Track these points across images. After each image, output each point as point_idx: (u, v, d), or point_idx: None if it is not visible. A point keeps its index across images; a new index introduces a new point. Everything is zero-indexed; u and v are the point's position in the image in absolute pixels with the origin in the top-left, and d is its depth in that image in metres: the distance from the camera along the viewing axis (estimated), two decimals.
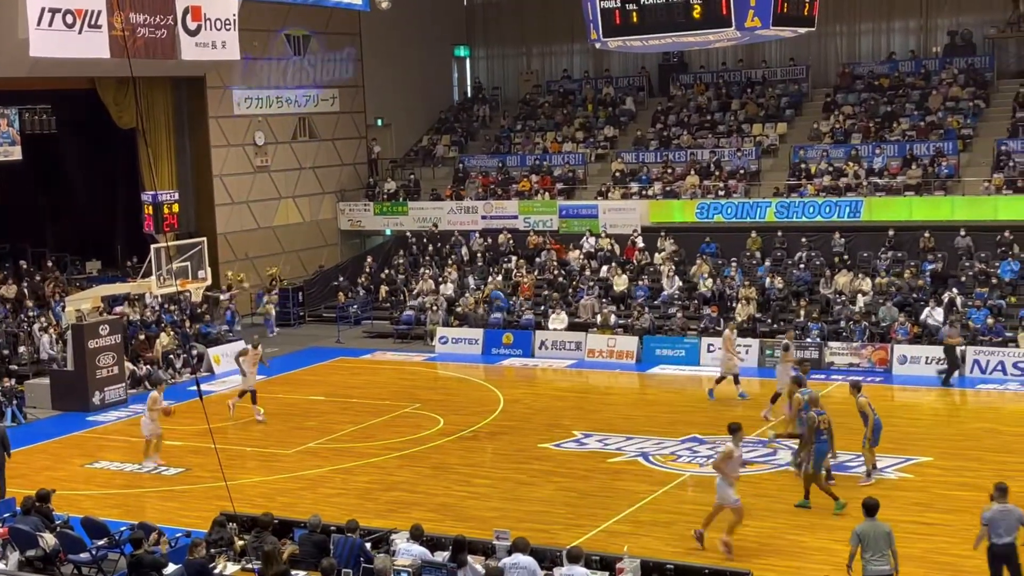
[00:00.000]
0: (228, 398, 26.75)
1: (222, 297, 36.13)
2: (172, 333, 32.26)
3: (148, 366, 30.69)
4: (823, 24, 34.71)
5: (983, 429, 23.62)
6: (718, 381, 26.58)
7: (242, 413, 26.08)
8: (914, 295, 30.94)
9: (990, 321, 28.79)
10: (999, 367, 27.61)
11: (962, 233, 32.60)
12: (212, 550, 14.78)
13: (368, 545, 14.50)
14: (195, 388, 20.00)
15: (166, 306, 33.97)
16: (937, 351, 28.25)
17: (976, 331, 28.84)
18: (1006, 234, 32.10)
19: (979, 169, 34.76)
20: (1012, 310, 29.91)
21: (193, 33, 32.06)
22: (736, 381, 26.43)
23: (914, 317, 29.82)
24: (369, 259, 40.13)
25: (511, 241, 38.54)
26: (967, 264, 32.05)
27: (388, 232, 42.29)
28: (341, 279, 39.00)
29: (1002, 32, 39.40)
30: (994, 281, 30.89)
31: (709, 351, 30.49)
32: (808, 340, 29.81)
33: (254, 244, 39.43)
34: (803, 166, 36.63)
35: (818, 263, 33.67)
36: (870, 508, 13.79)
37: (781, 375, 24.42)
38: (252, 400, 26.03)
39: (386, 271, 39.25)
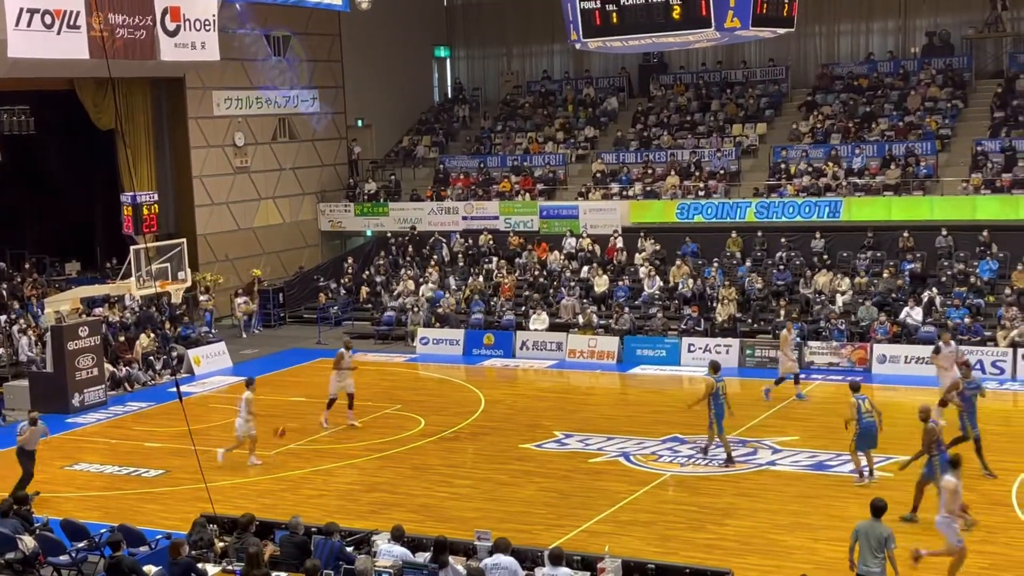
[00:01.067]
0: (209, 400, 26.65)
1: (202, 298, 36.03)
2: (152, 335, 32.14)
3: (128, 368, 30.58)
4: (802, 25, 35.01)
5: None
6: (777, 382, 26.22)
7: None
8: (893, 295, 31.07)
9: (968, 320, 28.94)
10: (978, 366, 27.69)
11: (943, 233, 32.74)
12: (193, 551, 14.73)
13: (349, 548, 14.49)
14: (175, 390, 20.03)
15: (148, 308, 33.82)
16: (916, 350, 28.40)
17: (955, 330, 28.96)
18: (984, 234, 32.26)
19: (957, 169, 34.92)
20: (990, 309, 30.07)
21: (172, 34, 31.94)
22: (796, 381, 26.22)
23: (893, 317, 29.95)
24: (350, 260, 40.07)
25: (492, 242, 38.53)
26: (946, 264, 32.20)
27: (369, 233, 42.24)
28: (322, 280, 38.94)
29: (980, 32, 39.62)
30: (972, 281, 31.04)
31: (690, 351, 30.58)
32: None
33: (234, 245, 39.32)
34: (783, 166, 36.74)
35: (798, 263, 33.78)
36: (875, 509, 13.82)
37: (943, 377, 23.65)
38: (349, 404, 25.21)
39: (367, 272, 39.19)
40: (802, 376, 27.47)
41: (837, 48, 42.68)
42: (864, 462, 19.86)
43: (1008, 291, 29.97)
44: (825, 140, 37.68)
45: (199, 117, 38.00)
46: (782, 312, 31.04)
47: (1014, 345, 27.86)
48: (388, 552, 14.06)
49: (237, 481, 21.43)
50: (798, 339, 29.59)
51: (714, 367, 21.64)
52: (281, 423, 25.66)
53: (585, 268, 35.78)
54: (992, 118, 36.53)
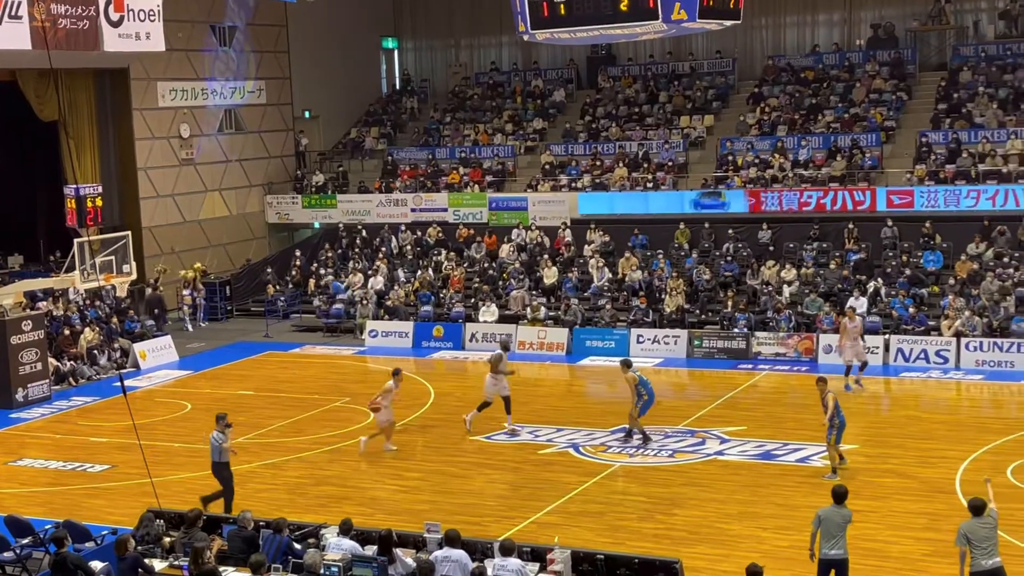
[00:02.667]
0: (156, 394, 26.42)
1: (185, 292, 35.87)
2: (97, 329, 31.79)
3: (72, 362, 30.23)
4: (749, 17, 35.21)
5: (906, 416, 24.03)
6: (847, 373, 26.09)
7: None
8: (839, 285, 31.36)
9: (913, 311, 29.27)
10: (922, 355, 28.09)
11: (888, 223, 33.07)
12: (140, 547, 14.60)
13: (297, 543, 14.41)
14: (119, 384, 19.86)
15: (94, 302, 33.46)
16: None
17: (899, 320, 29.32)
18: (927, 225, 32.63)
19: (902, 160, 35.30)
20: (934, 299, 30.43)
21: (116, 24, 31.55)
22: (847, 373, 26.05)
23: (839, 307, 30.22)
24: (298, 252, 39.84)
25: (440, 234, 38.46)
26: (891, 254, 32.54)
27: (317, 225, 42.01)
28: (269, 272, 38.70)
29: (924, 25, 40.05)
30: (916, 270, 31.38)
31: (639, 342, 30.70)
32: (735, 331, 30.10)
33: (180, 238, 38.96)
34: (730, 158, 36.95)
35: (745, 254, 34.00)
36: (836, 495, 13.93)
37: (846, 351, 24.48)
38: (506, 409, 23.56)
39: (315, 264, 39.00)
40: (748, 367, 27.66)
41: (783, 40, 42.98)
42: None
43: (952, 281, 30.35)
44: (772, 132, 37.95)
45: (144, 109, 37.60)
46: (729, 303, 31.23)
47: (958, 335, 28.21)
48: (337, 546, 14.02)
49: (184, 476, 21.26)
50: (745, 330, 29.83)
51: (626, 364, 22.40)
52: (229, 417, 25.51)
53: (534, 260, 35.81)
54: (936, 110, 36.93)
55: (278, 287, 37.83)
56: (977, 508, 13.34)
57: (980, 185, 32.68)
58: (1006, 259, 30.91)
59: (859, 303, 29.96)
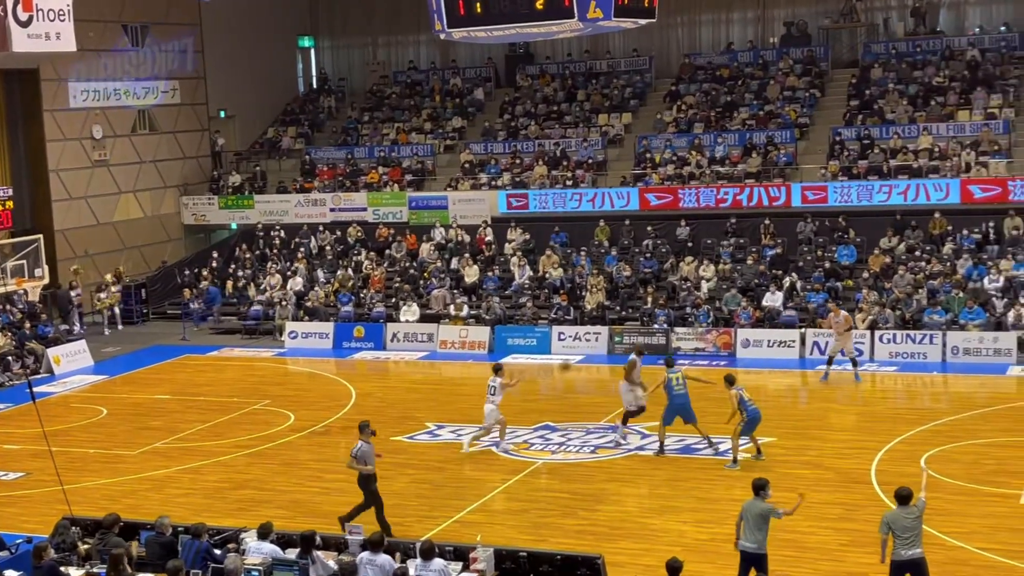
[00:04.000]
0: (69, 399, 25.96)
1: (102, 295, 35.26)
2: (8, 334, 31.16)
3: None
4: (664, 15, 35.35)
5: (823, 408, 24.39)
6: (829, 363, 26.38)
7: None
8: (756, 280, 31.74)
9: (829, 304, 29.68)
10: (672, 354, 28.38)
11: (804, 219, 33.52)
12: (56, 554, 14.34)
13: (217, 548, 14.24)
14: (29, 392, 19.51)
15: (6, 306, 32.79)
16: (778, 334, 29.12)
17: (814, 313, 29.73)
18: (840, 220, 33.14)
19: (816, 157, 35.82)
20: (849, 293, 30.91)
21: (24, 24, 30.80)
22: (829, 363, 26.28)
23: (756, 302, 30.59)
24: (215, 254, 39.38)
25: (360, 233, 38.26)
26: (806, 249, 32.99)
27: (234, 226, 41.57)
28: (186, 274, 38.22)
29: (836, 23, 40.68)
30: (830, 265, 31.84)
31: (560, 339, 30.80)
32: (655, 327, 30.32)
33: (94, 240, 38.32)
34: (648, 155, 37.21)
35: (664, 251, 34.27)
36: (755, 488, 14.07)
37: (836, 342, 24.94)
38: (624, 418, 22.16)
39: (232, 266, 38.59)
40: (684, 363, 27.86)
41: (699, 38, 43.38)
42: (742, 448, 20.19)
43: (865, 275, 30.84)
44: (688, 129, 38.28)
45: (55, 110, 36.93)
46: (649, 299, 31.45)
47: (872, 327, 28.68)
48: (257, 550, 13.88)
49: (101, 482, 20.92)
50: (665, 325, 30.05)
51: (730, 380, 20.98)
52: (145, 421, 25.21)
53: (455, 259, 35.77)
54: (848, 106, 37.52)
55: (195, 289, 37.35)
56: (902, 497, 13.47)
57: (892, 180, 33.28)
58: (918, 253, 31.51)
59: (775, 298, 30.36)
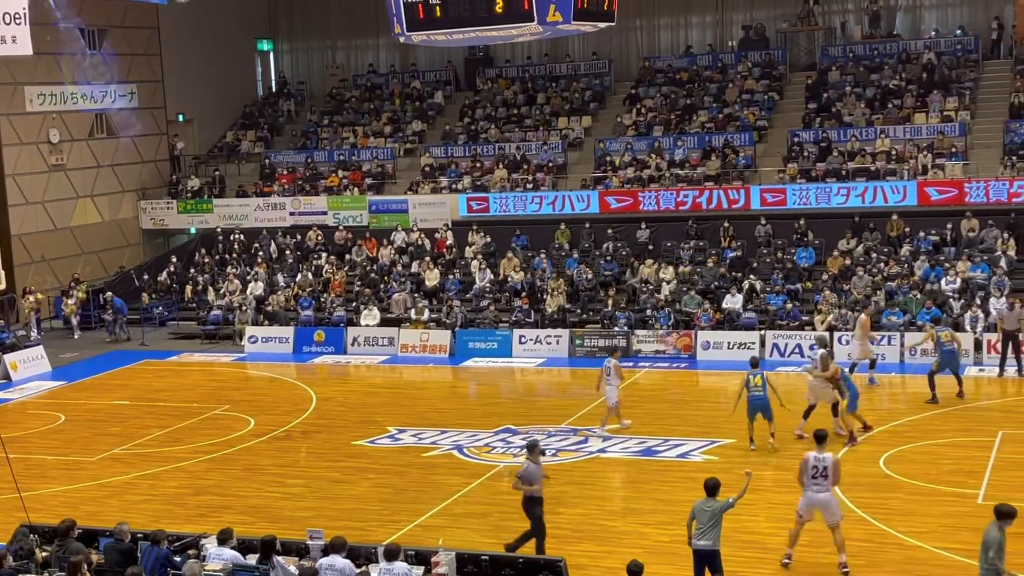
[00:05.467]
0: (28, 406, 25.69)
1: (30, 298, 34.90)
2: None
3: None
4: (623, 19, 35.46)
5: (784, 410, 24.41)
6: (853, 369, 25.47)
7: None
8: (716, 283, 31.89)
9: (788, 306, 29.90)
10: (796, 350, 28.66)
11: (762, 222, 33.72)
12: (14, 562, 14.20)
13: (175, 556, 14.14)
14: None
15: None
16: (738, 336, 29.27)
17: (774, 315, 29.92)
18: (800, 222, 33.36)
19: (774, 159, 36.05)
20: (808, 295, 31.12)
21: None
22: (872, 366, 25.88)
23: (716, 304, 30.74)
24: (173, 259, 39.12)
25: (320, 237, 38.12)
26: (765, 251, 33.19)
27: (193, 231, 41.31)
28: (145, 278, 37.94)
29: (793, 26, 40.97)
30: (790, 267, 32.07)
31: (521, 343, 30.82)
32: (616, 329, 30.40)
33: (51, 245, 37.99)
34: (607, 158, 37.31)
35: (624, 253, 34.37)
36: (708, 488, 14.22)
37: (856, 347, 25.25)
38: (805, 415, 21.89)
39: (192, 270, 38.35)
40: (628, 364, 27.95)
41: (658, 42, 43.55)
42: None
43: (824, 276, 31.07)
44: (648, 132, 38.42)
45: (11, 113, 36.61)
46: (609, 302, 31.52)
47: (830, 329, 28.86)
48: (218, 555, 13.78)
49: (59, 489, 20.74)
50: (626, 328, 30.14)
51: (753, 362, 21.69)
52: (104, 427, 25.00)
53: (415, 262, 35.72)
54: (806, 109, 37.79)
55: (155, 295, 37.11)
56: (708, 488, 14.22)
57: (850, 183, 33.53)
58: (876, 255, 31.76)
59: (735, 300, 30.51)
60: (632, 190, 35.28)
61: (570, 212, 35.82)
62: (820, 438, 16.09)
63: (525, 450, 16.46)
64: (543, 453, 16.24)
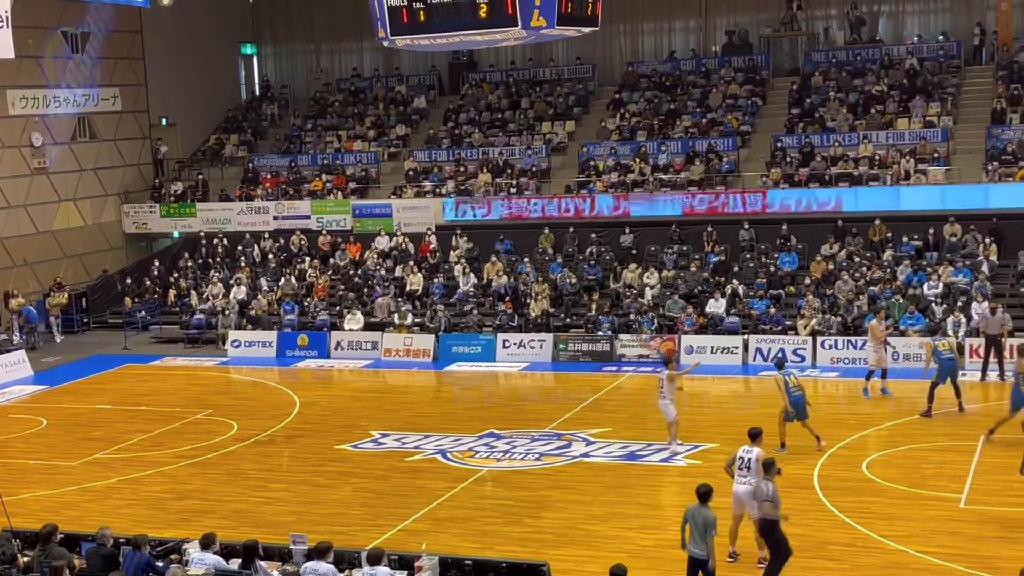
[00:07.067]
0: (10, 410, 25.53)
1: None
2: None
3: None
4: (607, 24, 35.60)
5: (766, 414, 24.39)
6: (868, 377, 25.58)
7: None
8: (699, 287, 31.94)
9: (772, 311, 29.97)
10: (780, 354, 28.69)
11: (745, 226, 33.79)
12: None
13: (158, 561, 14.09)
14: None
15: None
16: (721, 341, 29.32)
17: (757, 319, 29.98)
18: (783, 227, 33.44)
19: (757, 164, 36.13)
20: (791, 299, 31.19)
21: None
22: (883, 376, 25.46)
23: (700, 308, 30.78)
24: (156, 262, 39.00)
25: (304, 241, 38.06)
26: (748, 256, 33.27)
27: (176, 235, 41.20)
28: (128, 282, 37.81)
29: (776, 32, 41.09)
30: (773, 271, 32.14)
31: (504, 347, 30.81)
32: (599, 334, 30.42)
33: (33, 249, 37.80)
34: (591, 163, 37.35)
35: (608, 258, 34.40)
36: (700, 495, 14.22)
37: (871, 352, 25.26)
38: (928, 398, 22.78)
39: (174, 274, 38.24)
40: (612, 369, 27.95)
41: (641, 47, 43.61)
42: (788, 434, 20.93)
43: (807, 281, 31.14)
44: (632, 137, 38.46)
45: None
46: (593, 307, 31.55)
47: (813, 334, 28.96)
48: (200, 560, 13.75)
49: (41, 493, 20.64)
50: (609, 332, 30.16)
51: (778, 364, 22.06)
52: (86, 432, 24.90)
53: (399, 267, 35.69)
54: (789, 114, 37.90)
55: (137, 299, 36.98)
56: (701, 495, 14.17)
57: (833, 188, 33.62)
58: (858, 259, 31.87)
59: (719, 304, 30.57)
60: (616, 195, 35.22)
61: (555, 216, 35.61)
62: (754, 435, 16.27)
63: (762, 468, 15.15)
64: (779, 471, 15.25)
